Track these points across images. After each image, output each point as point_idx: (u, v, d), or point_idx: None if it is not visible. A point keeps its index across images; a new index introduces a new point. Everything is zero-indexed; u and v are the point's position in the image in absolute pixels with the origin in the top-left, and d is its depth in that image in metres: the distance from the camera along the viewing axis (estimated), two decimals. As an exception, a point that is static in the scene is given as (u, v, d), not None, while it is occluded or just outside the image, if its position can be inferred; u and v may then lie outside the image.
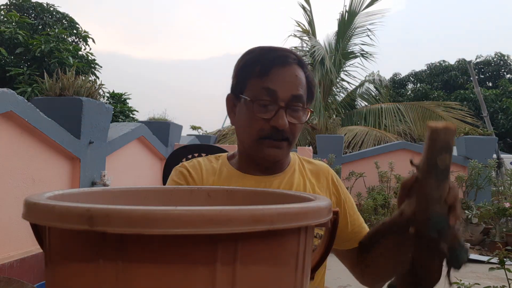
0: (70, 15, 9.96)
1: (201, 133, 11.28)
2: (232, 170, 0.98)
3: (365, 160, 7.71)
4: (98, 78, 8.39)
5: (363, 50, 12.01)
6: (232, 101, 0.98)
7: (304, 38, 11.95)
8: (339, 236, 0.98)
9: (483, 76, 21.32)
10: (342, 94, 12.69)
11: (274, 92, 0.89)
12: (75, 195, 0.46)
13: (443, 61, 22.21)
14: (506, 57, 21.15)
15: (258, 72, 0.91)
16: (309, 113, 0.95)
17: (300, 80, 0.92)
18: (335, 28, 11.96)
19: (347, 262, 1.02)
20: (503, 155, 8.01)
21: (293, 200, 0.48)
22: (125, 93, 9.67)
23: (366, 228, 1.03)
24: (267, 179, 0.97)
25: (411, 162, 0.64)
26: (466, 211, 5.80)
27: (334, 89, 12.02)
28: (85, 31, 9.84)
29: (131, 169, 5.09)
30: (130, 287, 0.32)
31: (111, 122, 4.47)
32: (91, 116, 3.93)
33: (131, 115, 9.47)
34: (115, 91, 9.63)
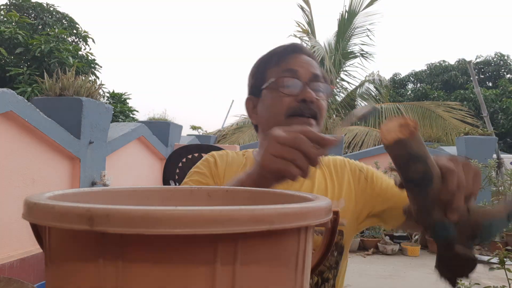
0: (70, 15, 9.97)
1: (201, 133, 11.29)
2: None
3: (365, 160, 7.71)
4: (98, 78, 8.41)
5: (362, 50, 12.03)
6: (252, 101, 0.99)
7: (304, 38, 11.96)
8: (392, 214, 0.92)
9: (483, 76, 21.35)
10: (342, 94, 12.69)
11: (296, 72, 0.91)
12: (75, 195, 0.46)
13: (443, 61, 22.24)
14: (506, 57, 21.17)
15: (276, 60, 0.94)
16: (332, 90, 0.98)
17: (316, 64, 0.97)
18: (335, 28, 11.99)
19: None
20: (503, 155, 8.01)
21: (293, 200, 0.48)
22: (125, 93, 9.68)
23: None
24: None
25: (395, 183, 0.60)
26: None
27: (334, 89, 12.02)
28: (85, 31, 9.85)
29: (131, 169, 5.09)
30: (130, 287, 0.32)
31: (111, 122, 4.47)
32: (91, 116, 3.93)
33: (131, 115, 9.48)
34: (115, 91, 9.64)
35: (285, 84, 0.90)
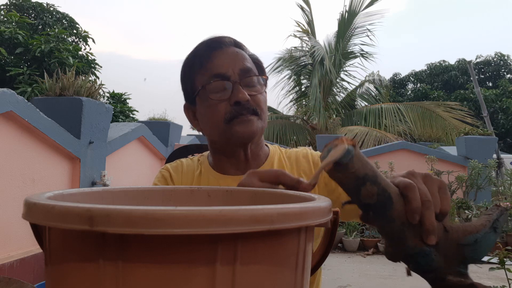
0: (70, 15, 9.98)
1: (201, 133, 11.29)
2: (209, 170, 0.95)
3: (365, 160, 7.70)
4: (98, 78, 8.41)
5: (362, 50, 12.04)
6: (190, 109, 0.96)
7: (304, 38, 11.97)
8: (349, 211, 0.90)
9: (483, 76, 21.36)
10: (342, 94, 12.70)
11: (222, 74, 0.86)
12: (75, 195, 0.46)
13: (443, 61, 22.26)
14: (506, 57, 21.19)
15: (199, 64, 0.89)
16: (266, 80, 0.92)
17: (243, 56, 0.90)
18: (335, 28, 11.98)
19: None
20: (503, 155, 8.02)
21: (293, 200, 0.48)
22: (125, 93, 9.69)
23: None
24: None
25: (360, 217, 0.52)
26: (466, 211, 5.80)
27: (334, 89, 12.03)
28: (85, 31, 9.85)
29: (131, 169, 5.09)
30: (130, 287, 0.32)
31: (111, 122, 4.47)
32: (91, 116, 3.93)
33: (131, 115, 9.48)
34: (115, 91, 9.64)
35: (214, 91, 0.86)
